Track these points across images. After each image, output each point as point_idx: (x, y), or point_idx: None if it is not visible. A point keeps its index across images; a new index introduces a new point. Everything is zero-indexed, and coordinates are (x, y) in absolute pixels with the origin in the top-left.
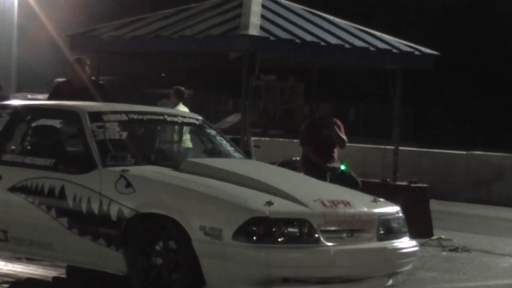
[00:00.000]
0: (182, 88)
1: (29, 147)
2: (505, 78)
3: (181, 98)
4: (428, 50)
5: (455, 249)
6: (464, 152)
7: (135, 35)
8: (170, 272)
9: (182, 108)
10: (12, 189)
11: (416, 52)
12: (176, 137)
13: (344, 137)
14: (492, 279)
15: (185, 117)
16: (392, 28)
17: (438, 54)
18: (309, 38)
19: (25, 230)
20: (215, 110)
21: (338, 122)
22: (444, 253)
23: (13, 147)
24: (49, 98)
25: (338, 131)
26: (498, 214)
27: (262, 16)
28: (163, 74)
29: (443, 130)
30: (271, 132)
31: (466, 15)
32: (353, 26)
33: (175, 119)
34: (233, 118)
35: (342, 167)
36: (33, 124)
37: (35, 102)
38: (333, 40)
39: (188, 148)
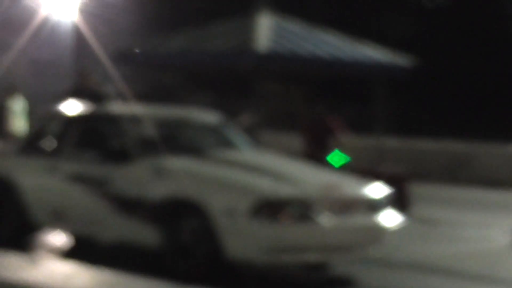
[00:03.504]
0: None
1: (81, 143)
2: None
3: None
4: (406, 60)
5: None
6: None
7: (167, 50)
8: (196, 246)
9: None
10: (69, 176)
11: (397, 62)
12: (198, 133)
13: (341, 136)
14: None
15: (205, 116)
16: (374, 41)
17: (418, 63)
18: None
19: (79, 212)
20: (230, 110)
21: (338, 121)
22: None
23: (67, 143)
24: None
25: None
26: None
27: (269, 33)
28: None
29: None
30: (277, 130)
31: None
32: (343, 41)
33: (197, 118)
34: (245, 118)
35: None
36: (83, 125)
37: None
38: (326, 56)
39: (209, 142)
